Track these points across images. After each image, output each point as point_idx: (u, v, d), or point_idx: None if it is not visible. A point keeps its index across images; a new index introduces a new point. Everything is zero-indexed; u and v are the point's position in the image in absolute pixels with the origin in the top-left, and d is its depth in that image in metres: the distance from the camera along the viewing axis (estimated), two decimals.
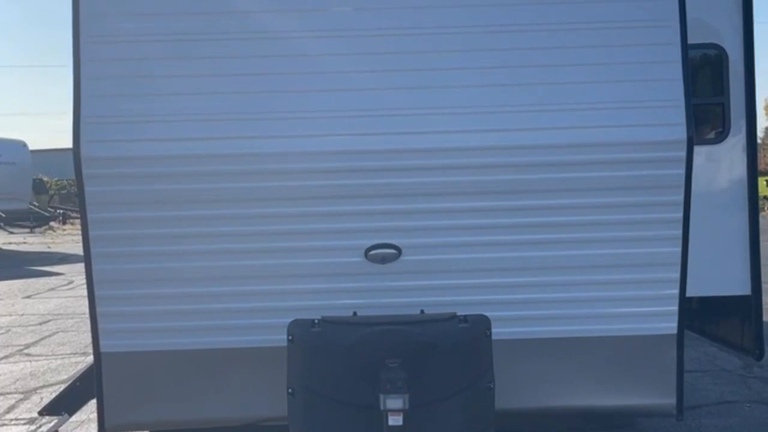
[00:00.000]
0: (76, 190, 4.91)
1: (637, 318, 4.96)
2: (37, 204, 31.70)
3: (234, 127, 4.76)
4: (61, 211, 35.65)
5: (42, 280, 16.74)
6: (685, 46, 4.79)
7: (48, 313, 12.45)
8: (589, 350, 5.01)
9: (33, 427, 6.71)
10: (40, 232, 31.76)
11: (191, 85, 4.80)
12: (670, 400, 5.08)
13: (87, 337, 7.31)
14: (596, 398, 5.08)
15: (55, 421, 5.82)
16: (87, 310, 4.98)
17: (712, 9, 6.18)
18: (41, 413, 5.83)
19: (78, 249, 7.36)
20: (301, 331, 4.54)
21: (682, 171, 4.77)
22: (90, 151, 4.70)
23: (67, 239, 28.35)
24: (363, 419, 4.37)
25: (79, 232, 5.02)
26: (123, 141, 4.73)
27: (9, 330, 11.20)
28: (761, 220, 6.71)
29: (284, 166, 4.76)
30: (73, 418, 6.03)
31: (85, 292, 5.00)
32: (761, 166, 39.66)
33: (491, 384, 4.53)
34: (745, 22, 6.13)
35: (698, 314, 6.98)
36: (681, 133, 4.73)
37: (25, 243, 27.40)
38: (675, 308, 4.95)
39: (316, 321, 4.57)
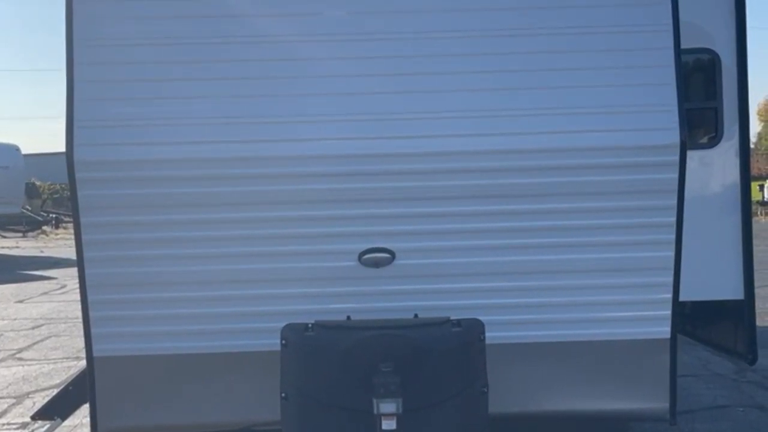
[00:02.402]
0: (69, 194, 4.90)
1: (631, 322, 4.96)
2: (29, 208, 31.65)
3: (227, 131, 4.75)
4: (54, 216, 35.60)
5: (34, 285, 16.71)
6: (678, 51, 4.80)
7: (40, 318, 12.43)
8: (582, 354, 5.01)
9: None
10: (33, 237, 31.71)
11: (185, 89, 4.80)
12: (663, 405, 5.08)
13: (80, 342, 7.28)
14: (589, 402, 5.08)
15: (48, 425, 5.79)
16: (80, 315, 4.96)
17: (705, 14, 6.19)
18: (34, 418, 5.82)
19: (71, 253, 7.35)
20: (295, 335, 4.53)
21: (675, 175, 4.77)
22: (83, 155, 4.69)
23: (59, 243, 28.30)
24: (356, 423, 4.36)
25: (72, 237, 5.00)
26: (116, 144, 4.72)
27: (1, 334, 11.18)
28: (754, 225, 6.71)
29: (277, 169, 4.76)
30: (66, 422, 5.99)
31: (77, 297, 4.99)
32: (754, 171, 39.76)
33: (485, 388, 4.53)
34: (738, 27, 6.14)
35: (691, 318, 6.99)
36: (674, 137, 4.73)
37: (17, 247, 27.35)
38: (668, 312, 4.95)
39: (310, 325, 4.56)
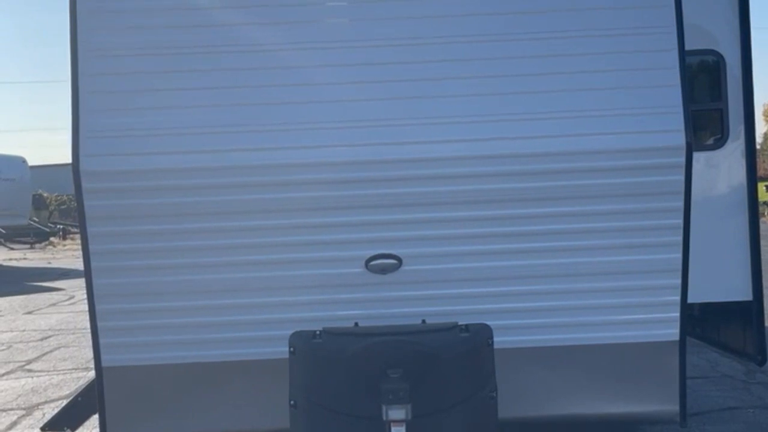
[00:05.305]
0: (75, 204, 4.91)
1: (639, 325, 4.96)
2: (37, 220, 31.67)
3: (233, 140, 4.76)
4: (61, 227, 35.62)
5: (43, 296, 16.72)
6: (683, 53, 4.80)
7: (49, 329, 12.44)
8: (591, 358, 5.00)
9: None
10: (41, 248, 31.77)
11: (190, 99, 4.81)
12: (673, 407, 5.07)
13: (88, 352, 7.29)
14: (599, 406, 5.07)
15: None
16: (88, 325, 4.97)
17: (709, 15, 6.19)
18: (43, 429, 5.82)
19: (78, 264, 7.36)
20: (303, 342, 4.53)
21: (682, 177, 4.77)
22: (89, 166, 4.71)
23: (67, 254, 28.35)
24: (365, 430, 4.36)
25: (80, 248, 5.01)
26: (122, 155, 4.73)
27: (10, 346, 11.19)
28: (761, 226, 6.70)
29: (284, 177, 4.76)
30: None
31: (85, 307, 4.99)
32: (760, 172, 39.71)
33: (494, 393, 4.52)
34: (742, 28, 6.14)
35: (700, 320, 6.98)
36: (680, 139, 4.73)
37: (25, 259, 27.40)
38: (677, 315, 4.94)
39: (318, 332, 4.56)
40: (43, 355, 10.49)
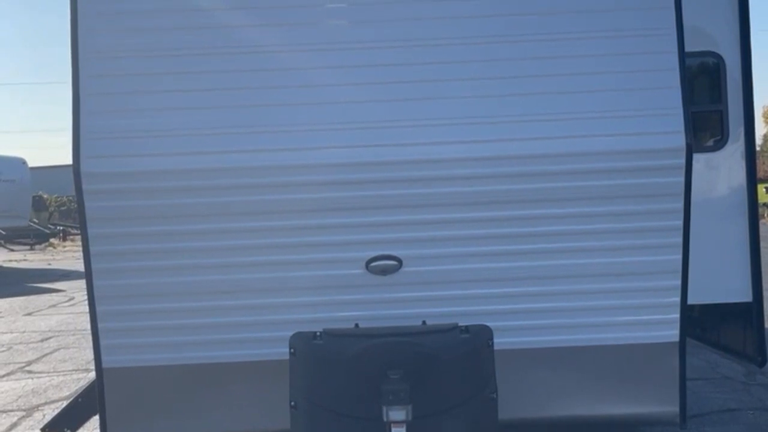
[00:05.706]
0: (76, 206, 4.92)
1: (639, 326, 4.96)
2: (37, 221, 31.64)
3: (233, 141, 4.76)
4: (61, 228, 35.61)
5: (43, 297, 16.72)
6: (683, 55, 4.80)
7: (49, 330, 12.44)
8: (591, 359, 5.00)
9: None
10: (41, 249, 31.74)
11: (191, 100, 4.81)
12: (672, 408, 5.07)
13: (89, 354, 7.30)
14: (598, 407, 5.08)
15: None
16: (88, 327, 4.98)
17: (709, 17, 6.19)
18: (44, 430, 5.82)
19: (79, 265, 7.37)
20: (303, 343, 4.54)
21: (682, 179, 4.77)
22: (90, 167, 4.71)
23: (67, 256, 28.33)
24: (366, 431, 4.36)
25: (80, 249, 5.02)
26: (123, 156, 4.74)
27: (10, 347, 11.19)
28: (761, 227, 6.70)
29: (284, 179, 4.77)
30: None
31: (86, 309, 5.00)
32: (760, 173, 39.72)
33: (494, 394, 4.52)
34: (742, 30, 6.15)
35: (700, 321, 6.98)
36: (679, 140, 4.73)
37: (25, 260, 27.38)
38: (677, 316, 4.95)
39: (318, 333, 4.56)
40: (44, 356, 10.48)
